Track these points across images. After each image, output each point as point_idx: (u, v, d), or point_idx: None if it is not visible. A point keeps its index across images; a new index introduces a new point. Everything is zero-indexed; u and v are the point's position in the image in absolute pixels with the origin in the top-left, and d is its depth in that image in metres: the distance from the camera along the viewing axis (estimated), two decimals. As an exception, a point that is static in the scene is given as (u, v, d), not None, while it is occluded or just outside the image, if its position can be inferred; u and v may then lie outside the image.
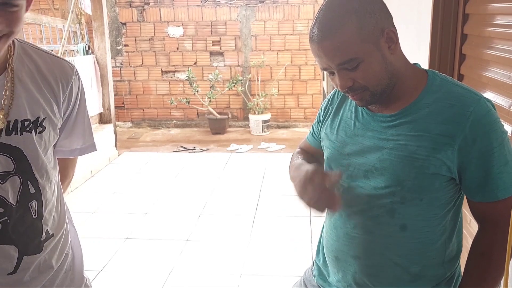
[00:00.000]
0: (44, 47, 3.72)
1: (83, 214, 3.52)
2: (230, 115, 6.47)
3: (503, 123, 0.98)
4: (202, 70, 6.53)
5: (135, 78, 6.63)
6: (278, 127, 6.59)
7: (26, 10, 0.94)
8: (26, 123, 0.98)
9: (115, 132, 5.18)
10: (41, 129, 1.02)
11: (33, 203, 1.03)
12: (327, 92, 4.91)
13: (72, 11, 4.86)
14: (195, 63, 6.53)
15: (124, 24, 6.49)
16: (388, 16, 0.96)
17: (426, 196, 0.97)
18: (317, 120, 1.20)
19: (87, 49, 4.94)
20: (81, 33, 5.12)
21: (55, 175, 1.10)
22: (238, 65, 6.53)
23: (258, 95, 6.32)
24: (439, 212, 1.00)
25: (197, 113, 6.66)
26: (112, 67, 5.55)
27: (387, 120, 1.00)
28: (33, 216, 1.03)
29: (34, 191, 1.03)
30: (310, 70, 6.44)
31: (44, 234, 1.07)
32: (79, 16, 5.08)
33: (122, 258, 2.91)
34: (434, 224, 1.00)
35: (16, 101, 0.97)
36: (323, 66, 0.96)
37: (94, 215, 3.57)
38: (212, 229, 3.30)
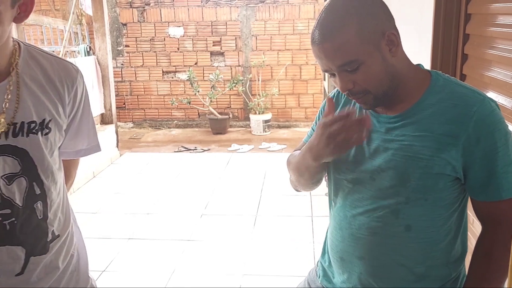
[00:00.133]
0: (45, 48, 3.73)
1: (86, 215, 3.53)
2: (231, 115, 6.47)
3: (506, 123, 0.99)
4: (203, 70, 6.54)
5: (136, 78, 6.63)
6: (279, 127, 6.59)
7: (25, 16, 0.96)
8: (32, 125, 0.99)
9: (116, 132, 5.19)
10: (47, 130, 1.03)
11: (39, 204, 1.04)
12: (328, 92, 4.91)
13: (73, 12, 4.87)
14: (195, 63, 6.54)
15: (125, 24, 6.50)
16: (390, 19, 0.96)
17: (430, 196, 0.98)
18: (321, 113, 1.19)
19: (88, 50, 4.94)
20: (82, 34, 5.13)
21: (60, 176, 1.11)
22: (239, 65, 6.53)
23: (258, 95, 6.32)
24: (444, 213, 1.00)
25: (198, 113, 6.66)
26: (113, 67, 5.56)
27: (391, 121, 1.01)
28: (39, 217, 1.04)
29: (39, 192, 1.04)
30: (311, 70, 6.44)
31: (50, 235, 1.08)
32: (80, 17, 5.09)
33: (125, 258, 2.92)
34: (439, 224, 1.01)
35: (22, 103, 0.99)
36: (324, 68, 0.97)
37: (97, 215, 3.58)
38: (214, 229, 3.31)
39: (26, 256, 1.03)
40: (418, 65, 1.05)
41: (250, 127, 6.38)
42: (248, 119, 6.47)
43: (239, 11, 6.39)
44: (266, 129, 6.24)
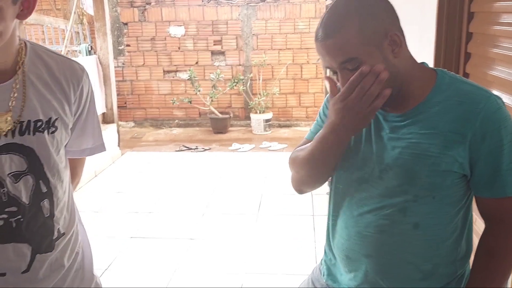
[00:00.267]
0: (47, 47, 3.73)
1: (88, 214, 3.53)
2: (231, 115, 6.47)
3: (511, 121, 0.99)
4: (204, 69, 6.54)
5: (137, 78, 6.64)
6: (280, 126, 6.59)
7: (28, 13, 0.96)
8: (39, 123, 1.00)
9: (118, 132, 5.19)
10: (53, 129, 1.03)
11: (45, 202, 1.05)
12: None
13: (74, 12, 4.87)
14: (196, 63, 6.54)
15: (126, 24, 6.50)
16: (394, 20, 0.97)
17: (438, 194, 0.98)
18: (326, 107, 1.16)
19: (89, 49, 4.94)
20: (83, 33, 5.14)
21: (66, 174, 1.12)
22: (240, 64, 6.53)
23: (259, 94, 6.32)
24: (451, 210, 1.01)
25: (199, 112, 6.67)
26: (114, 67, 5.55)
27: (398, 120, 1.01)
28: (45, 215, 1.05)
29: (46, 190, 1.04)
30: (312, 69, 6.44)
31: (55, 233, 1.08)
32: (81, 17, 5.10)
33: (127, 256, 2.92)
34: (446, 222, 1.01)
35: (28, 102, 0.99)
36: (326, 65, 0.98)
37: (99, 214, 3.59)
38: (216, 228, 3.32)
39: (32, 254, 1.03)
40: (422, 63, 1.05)
41: (251, 126, 6.39)
42: (249, 118, 6.47)
43: (240, 10, 6.39)
44: (267, 129, 6.25)
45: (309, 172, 1.11)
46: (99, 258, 2.85)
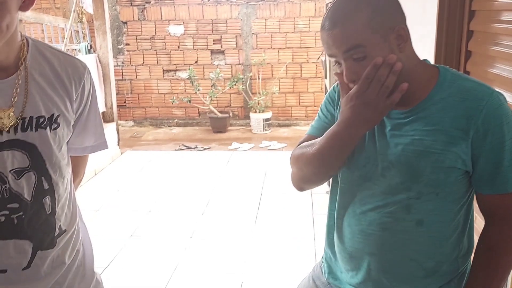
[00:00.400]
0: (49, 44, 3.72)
1: (88, 212, 3.53)
2: (231, 114, 6.47)
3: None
4: (203, 68, 6.53)
5: (136, 77, 6.63)
6: (279, 125, 6.59)
7: (30, 4, 0.96)
8: (41, 119, 1.00)
9: (117, 131, 5.19)
10: (56, 125, 1.03)
11: (47, 199, 1.04)
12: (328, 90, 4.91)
13: (74, 10, 4.87)
14: (196, 62, 6.53)
15: (125, 23, 6.49)
16: (401, 15, 0.97)
17: (442, 191, 0.98)
18: (328, 102, 1.15)
19: (89, 48, 4.94)
20: (82, 32, 5.13)
21: (68, 171, 1.12)
22: (239, 64, 6.53)
23: (259, 93, 6.32)
24: (454, 207, 1.01)
25: (199, 111, 6.66)
26: (114, 66, 5.55)
27: (401, 117, 1.01)
28: (47, 212, 1.05)
29: (47, 187, 1.04)
30: (312, 68, 6.44)
31: (57, 230, 1.08)
32: (80, 15, 5.09)
33: (127, 255, 2.92)
34: (449, 219, 1.01)
35: (30, 98, 0.99)
36: (329, 53, 0.97)
37: (99, 212, 3.58)
38: (216, 227, 3.32)
39: (33, 250, 1.03)
40: (424, 60, 1.05)
41: (250, 125, 6.38)
42: (248, 117, 6.46)
43: (239, 9, 6.38)
44: (266, 128, 6.24)
45: (315, 169, 1.07)
46: (99, 256, 2.84)
